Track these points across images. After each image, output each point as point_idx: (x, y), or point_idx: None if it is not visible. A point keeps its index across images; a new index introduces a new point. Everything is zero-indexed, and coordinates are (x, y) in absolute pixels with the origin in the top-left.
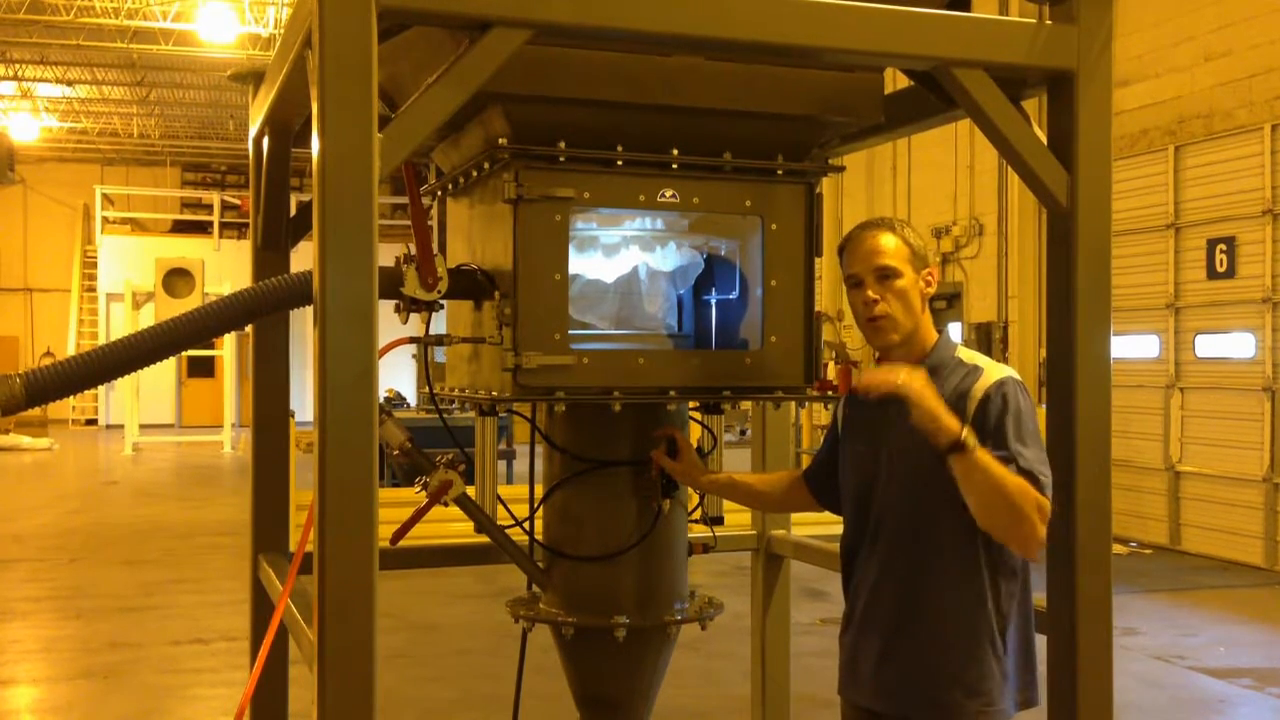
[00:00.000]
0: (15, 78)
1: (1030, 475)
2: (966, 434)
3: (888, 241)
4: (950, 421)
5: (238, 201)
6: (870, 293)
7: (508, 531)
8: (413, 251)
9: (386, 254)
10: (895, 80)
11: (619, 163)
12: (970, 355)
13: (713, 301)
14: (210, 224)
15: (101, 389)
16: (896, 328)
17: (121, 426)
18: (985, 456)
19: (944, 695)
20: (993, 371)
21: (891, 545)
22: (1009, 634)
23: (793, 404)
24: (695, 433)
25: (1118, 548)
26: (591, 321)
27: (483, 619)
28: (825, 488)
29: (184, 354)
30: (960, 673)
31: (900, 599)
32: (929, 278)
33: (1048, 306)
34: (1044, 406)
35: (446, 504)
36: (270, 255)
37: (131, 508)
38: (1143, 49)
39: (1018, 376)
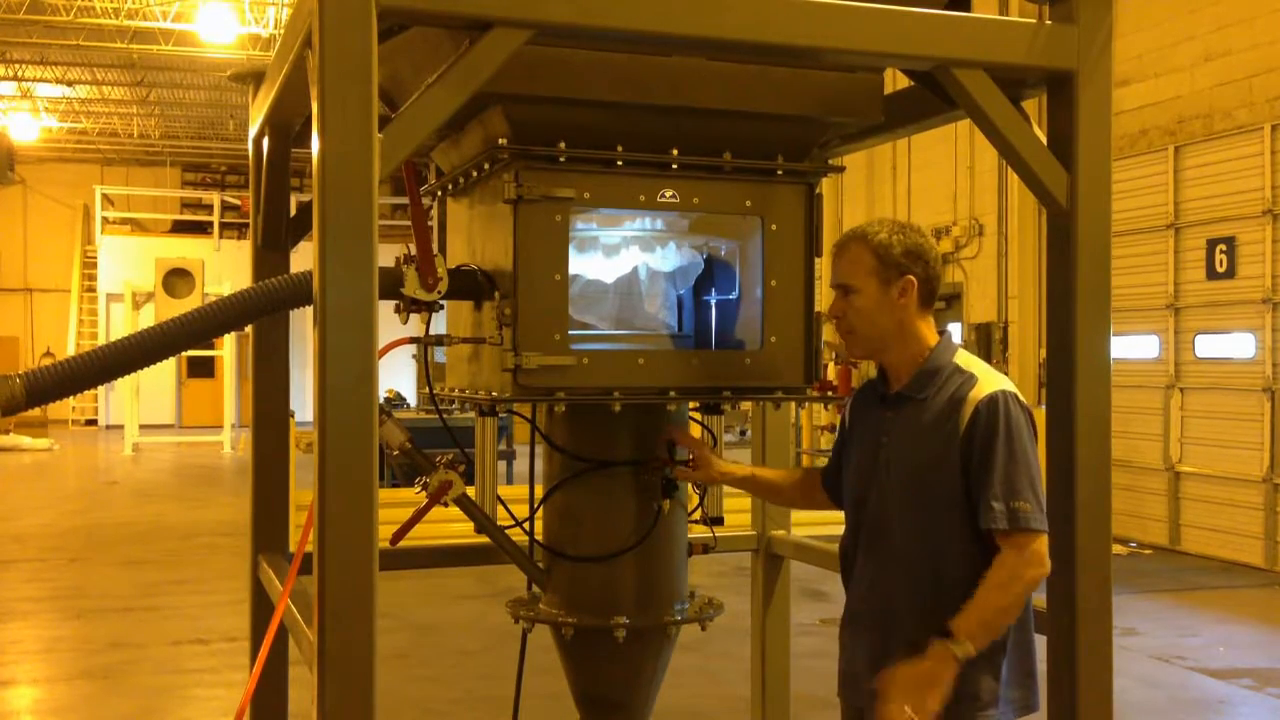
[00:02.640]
0: (15, 78)
1: (1014, 518)
2: (959, 651)
3: (850, 254)
4: (945, 671)
5: (238, 201)
6: (836, 306)
7: (508, 532)
8: (413, 252)
9: (386, 254)
10: (895, 80)
11: (619, 163)
12: (968, 361)
13: (713, 302)
14: (210, 224)
15: (101, 389)
16: (856, 344)
17: (121, 427)
18: (971, 623)
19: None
20: (987, 382)
21: (889, 547)
22: (1006, 636)
23: (793, 404)
24: (695, 433)
25: (1118, 548)
26: (591, 322)
27: (483, 619)
28: (838, 488)
29: (184, 354)
30: (964, 677)
31: (897, 601)
32: (906, 286)
33: (1048, 306)
34: (1044, 407)
35: (446, 504)
36: (270, 255)
37: (132, 508)
38: (1143, 49)
39: (1012, 388)
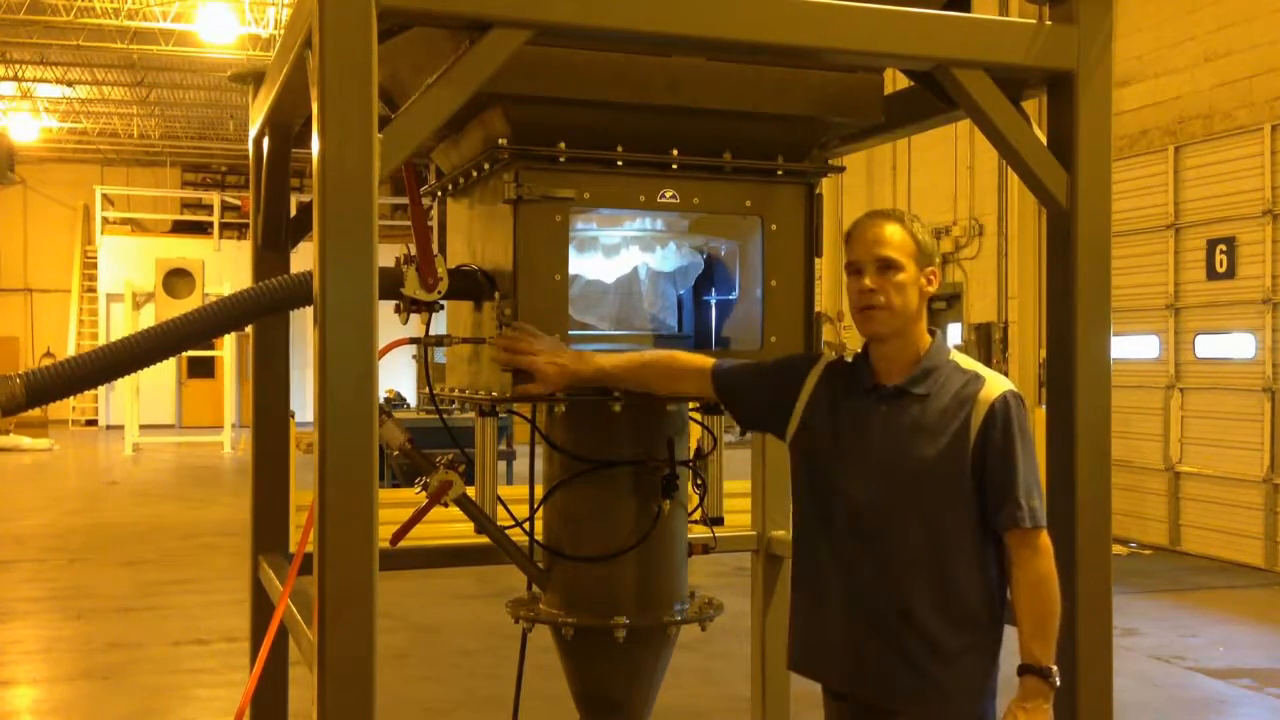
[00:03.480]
0: (15, 78)
1: (1034, 516)
2: (1054, 678)
3: (894, 233)
4: (1048, 704)
5: (238, 202)
6: (868, 281)
7: (508, 532)
8: (413, 252)
9: (386, 254)
10: (895, 80)
11: (619, 163)
12: (967, 362)
13: (713, 302)
14: (210, 224)
15: (101, 389)
16: (888, 320)
17: (121, 427)
18: (1040, 644)
19: (940, 695)
20: (995, 382)
21: (887, 544)
22: (1001, 633)
23: None
24: (695, 433)
25: (1118, 548)
26: (591, 322)
27: (483, 619)
28: (736, 398)
29: (184, 354)
30: (964, 671)
31: (901, 599)
32: (931, 276)
33: (1048, 307)
34: (1044, 407)
35: (446, 504)
36: (270, 255)
37: (132, 508)
38: (1143, 49)
39: (1015, 388)
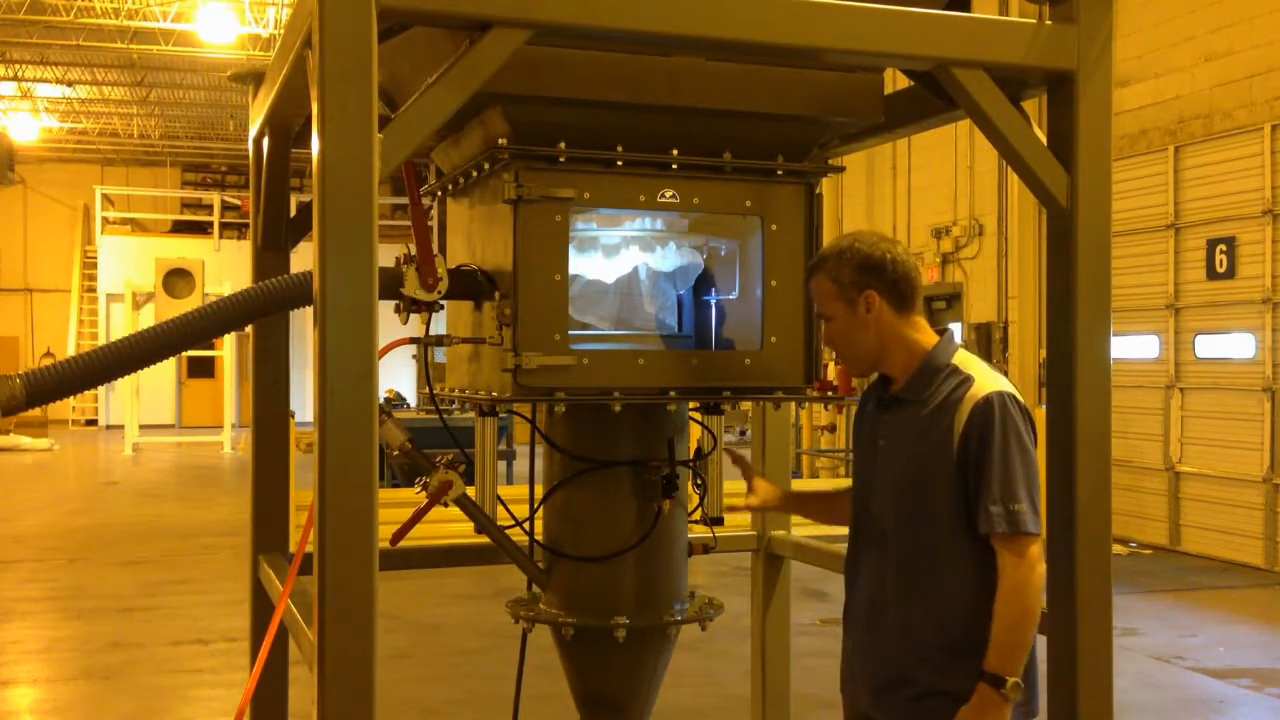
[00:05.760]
0: (15, 78)
1: (1013, 521)
2: (1008, 690)
3: (817, 286)
4: (998, 714)
5: (238, 202)
6: (824, 335)
7: (508, 532)
8: (413, 252)
9: (386, 254)
10: (895, 80)
11: (619, 163)
12: (966, 361)
13: (713, 302)
14: (210, 224)
15: (101, 389)
16: (854, 362)
17: (121, 427)
18: (1001, 653)
19: (939, 704)
20: (984, 383)
21: (884, 549)
22: None
23: (793, 405)
24: (695, 433)
25: (1118, 548)
26: (591, 322)
27: (483, 619)
28: None
29: (184, 354)
30: (957, 678)
31: (892, 603)
32: (869, 300)
33: (1048, 306)
34: (1044, 407)
35: (446, 504)
36: (270, 255)
37: (132, 508)
38: (1143, 49)
39: (1010, 389)
